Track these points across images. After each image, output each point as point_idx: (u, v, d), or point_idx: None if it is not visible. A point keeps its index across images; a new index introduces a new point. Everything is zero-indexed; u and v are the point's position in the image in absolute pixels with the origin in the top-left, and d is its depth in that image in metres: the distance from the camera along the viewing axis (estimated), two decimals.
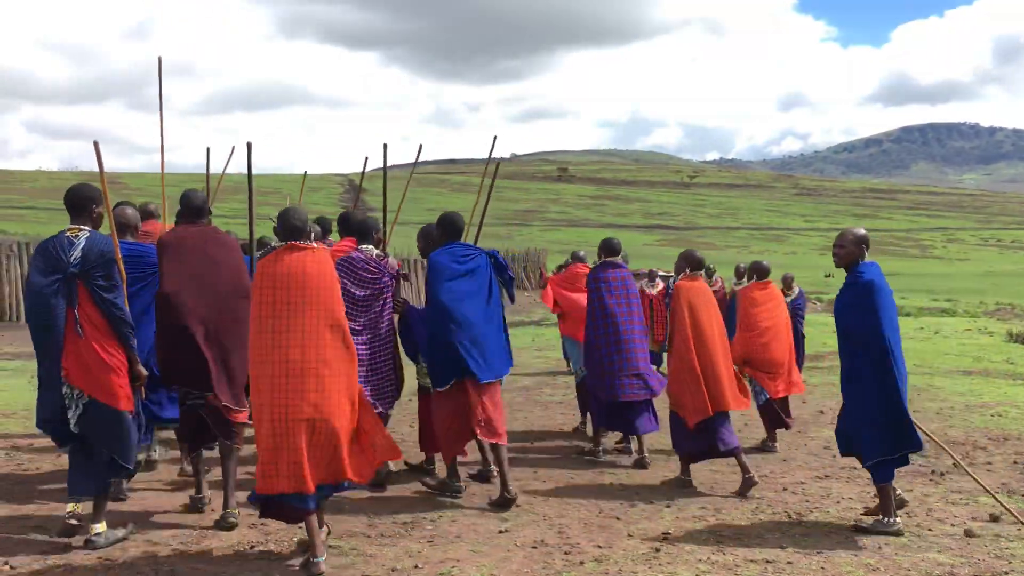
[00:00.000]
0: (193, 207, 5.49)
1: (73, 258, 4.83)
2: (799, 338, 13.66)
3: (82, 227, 4.95)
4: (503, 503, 6.01)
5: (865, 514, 5.98)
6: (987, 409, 10.40)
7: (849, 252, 5.78)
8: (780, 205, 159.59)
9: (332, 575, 4.70)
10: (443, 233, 6.37)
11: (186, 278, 5.30)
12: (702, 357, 6.68)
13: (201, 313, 5.29)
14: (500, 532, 5.50)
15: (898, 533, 5.58)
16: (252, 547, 5.09)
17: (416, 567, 4.84)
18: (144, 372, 5.12)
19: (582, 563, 4.97)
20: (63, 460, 7.12)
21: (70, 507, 5.10)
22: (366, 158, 8.05)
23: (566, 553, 5.13)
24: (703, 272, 6.97)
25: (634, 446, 7.76)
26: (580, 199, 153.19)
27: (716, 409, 6.65)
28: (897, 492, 5.90)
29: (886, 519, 5.66)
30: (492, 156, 7.92)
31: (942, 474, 7.24)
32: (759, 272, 8.90)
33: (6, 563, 4.74)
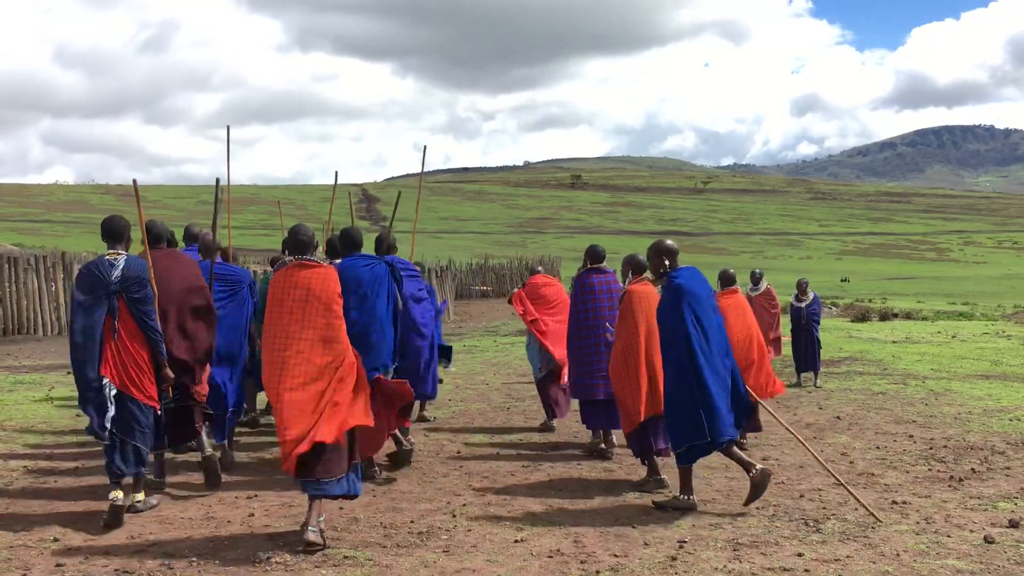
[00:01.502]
0: (152, 235, 6.50)
1: (114, 277, 5.75)
2: (814, 343, 13.63)
3: (120, 251, 5.87)
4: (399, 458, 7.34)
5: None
6: (1006, 413, 10.32)
7: (652, 263, 6.54)
8: (794, 210, 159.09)
9: None
10: (343, 246, 6.96)
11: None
12: (650, 362, 6.91)
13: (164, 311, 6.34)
14: (516, 541, 5.49)
15: (692, 507, 6.23)
16: (268, 557, 5.10)
17: None
18: (171, 374, 6.07)
19: (598, 572, 4.95)
20: (83, 473, 7.17)
21: (112, 494, 5.73)
22: (336, 172, 8.38)
23: (582, 562, 5.12)
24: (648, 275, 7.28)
25: (604, 442, 8.20)
26: (593, 206, 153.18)
27: (655, 412, 6.85)
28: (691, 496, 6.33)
29: (683, 496, 6.29)
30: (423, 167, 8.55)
31: (960, 480, 7.18)
32: (725, 280, 9.23)
33: (25, 575, 4.76)
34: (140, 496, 6.05)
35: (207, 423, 6.96)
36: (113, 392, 5.73)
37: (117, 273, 5.75)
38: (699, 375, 6.19)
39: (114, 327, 5.74)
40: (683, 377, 6.24)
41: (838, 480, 6.47)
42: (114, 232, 5.90)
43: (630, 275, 7.27)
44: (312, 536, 5.24)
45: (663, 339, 6.41)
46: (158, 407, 5.99)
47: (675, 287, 6.32)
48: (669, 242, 6.62)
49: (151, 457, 6.62)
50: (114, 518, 5.67)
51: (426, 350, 7.89)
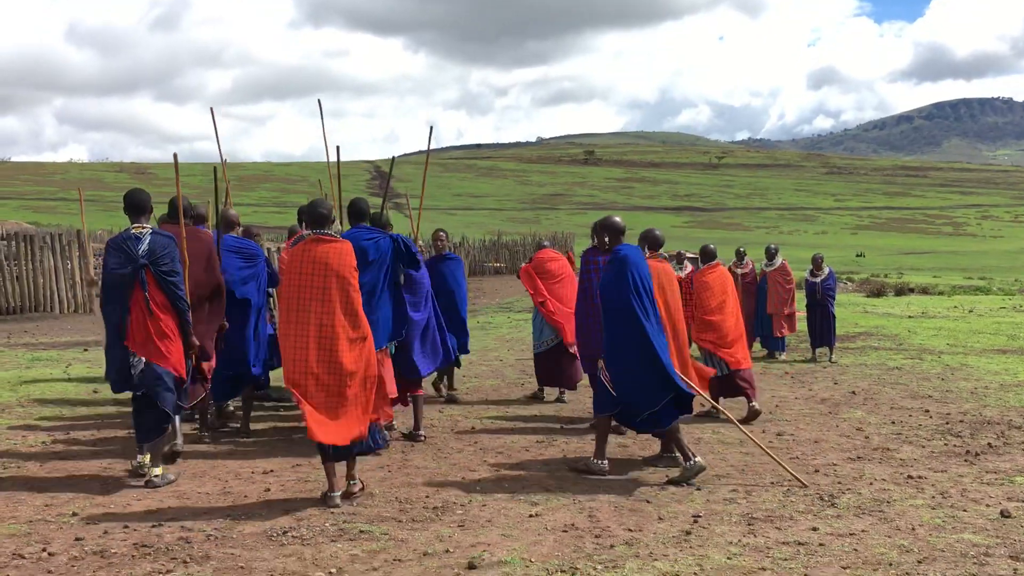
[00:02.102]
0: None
1: (142, 250, 5.98)
2: (829, 318, 13.57)
3: (144, 225, 6.08)
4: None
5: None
6: (1023, 388, 10.26)
7: (599, 239, 6.70)
8: (810, 184, 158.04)
9: (364, 559, 4.73)
10: (350, 216, 7.09)
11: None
12: (676, 337, 6.93)
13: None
14: (530, 516, 5.51)
15: (602, 472, 6.48)
16: (285, 532, 5.14)
17: (447, 551, 4.86)
18: (197, 342, 6.36)
19: (612, 546, 4.97)
20: (100, 449, 7.24)
21: (139, 458, 6.16)
22: (337, 147, 8.27)
23: (597, 537, 5.13)
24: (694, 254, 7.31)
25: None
26: (607, 182, 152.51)
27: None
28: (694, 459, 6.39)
29: (597, 460, 6.53)
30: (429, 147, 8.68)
31: (977, 454, 7.15)
32: (706, 255, 9.54)
33: (44, 549, 4.81)
34: (158, 471, 6.16)
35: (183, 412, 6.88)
36: (141, 364, 5.99)
37: (144, 247, 5.99)
38: (646, 343, 6.26)
39: (144, 298, 5.97)
40: (628, 346, 6.29)
41: (757, 444, 6.57)
42: (138, 206, 6.11)
43: (645, 250, 7.24)
44: (356, 488, 5.80)
45: (606, 311, 6.44)
46: (185, 375, 6.24)
47: (621, 258, 6.40)
48: (617, 219, 6.72)
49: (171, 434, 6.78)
50: (136, 474, 6.21)
51: (419, 326, 7.77)
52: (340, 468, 5.81)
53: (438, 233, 9.69)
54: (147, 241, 6.01)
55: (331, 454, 5.70)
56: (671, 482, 6.32)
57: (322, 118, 8.69)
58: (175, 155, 7.18)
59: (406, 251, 6.97)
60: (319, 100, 8.93)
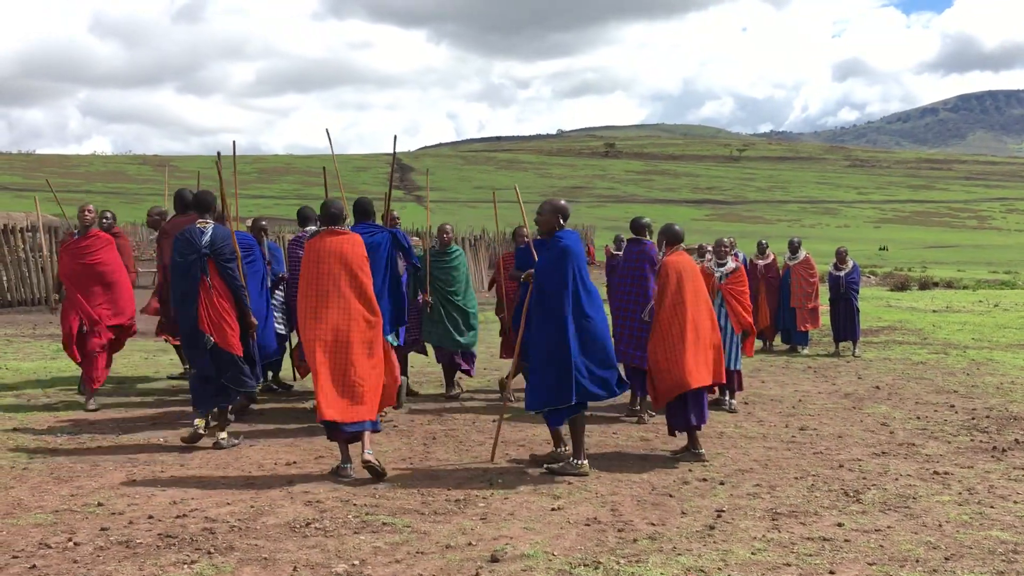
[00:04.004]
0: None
1: (204, 242, 6.82)
2: (853, 312, 13.46)
3: (208, 220, 6.92)
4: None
5: (530, 461, 6.70)
6: None
7: (547, 220, 6.38)
8: (832, 177, 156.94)
9: (387, 551, 4.74)
10: (354, 213, 7.47)
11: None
12: (697, 331, 6.90)
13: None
14: (553, 510, 5.49)
15: (581, 472, 6.28)
16: (308, 523, 5.16)
17: (470, 544, 4.86)
18: (255, 321, 7.12)
19: (636, 540, 4.95)
20: (125, 439, 7.29)
21: (197, 422, 6.88)
22: (395, 136, 8.61)
23: (619, 530, 5.11)
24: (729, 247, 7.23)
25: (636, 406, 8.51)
26: (627, 174, 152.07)
27: (700, 383, 6.83)
28: (566, 448, 6.52)
29: (560, 450, 6.48)
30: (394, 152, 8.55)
31: (1004, 450, 7.08)
32: (670, 237, 9.36)
33: (70, 539, 4.85)
34: (223, 434, 7.01)
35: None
36: (210, 343, 6.78)
37: (206, 239, 6.82)
38: (583, 332, 6.22)
39: (208, 284, 6.79)
40: (561, 335, 6.19)
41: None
42: (204, 204, 7.02)
43: (664, 246, 7.23)
44: (370, 457, 6.07)
45: (541, 298, 6.32)
46: (241, 352, 6.95)
47: (563, 247, 6.30)
48: (565, 202, 6.62)
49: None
50: (193, 439, 6.86)
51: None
52: (354, 447, 6.25)
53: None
54: (209, 234, 6.84)
55: (342, 433, 6.16)
56: (548, 469, 6.35)
57: (331, 144, 9.00)
58: (219, 154, 7.65)
59: (402, 245, 7.47)
60: (327, 130, 9.18)
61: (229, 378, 6.91)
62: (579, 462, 6.33)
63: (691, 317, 6.87)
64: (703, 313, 6.99)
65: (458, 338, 9.36)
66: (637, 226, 8.38)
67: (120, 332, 8.85)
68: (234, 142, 7.93)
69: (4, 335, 13.87)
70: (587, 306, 6.26)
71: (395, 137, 8.70)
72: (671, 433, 7.08)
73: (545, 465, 6.45)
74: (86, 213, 8.80)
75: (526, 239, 7.63)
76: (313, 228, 8.63)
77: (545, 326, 6.28)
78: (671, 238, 7.20)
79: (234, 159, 7.82)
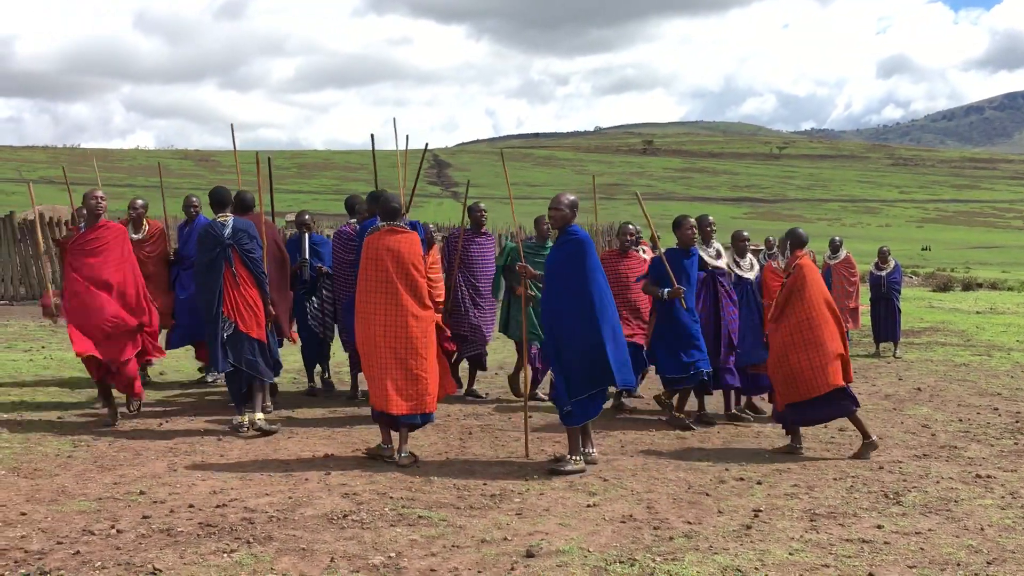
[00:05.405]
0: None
1: (227, 234, 7.14)
2: (895, 312, 13.30)
3: (227, 214, 7.26)
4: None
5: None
6: None
7: (563, 216, 6.36)
8: (874, 176, 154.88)
9: (423, 544, 4.76)
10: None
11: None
12: (832, 332, 6.94)
13: None
14: (588, 506, 5.49)
15: (581, 471, 6.25)
16: (345, 515, 5.20)
17: (505, 539, 4.87)
18: (273, 311, 7.46)
19: (671, 539, 4.93)
20: (167, 428, 7.40)
21: (237, 418, 7.26)
22: (407, 136, 8.23)
23: (655, 528, 5.10)
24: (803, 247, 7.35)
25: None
26: (666, 172, 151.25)
27: (837, 383, 6.85)
28: (592, 452, 6.55)
29: (572, 456, 6.33)
30: (421, 151, 8.61)
31: None
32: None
33: (113, 526, 4.94)
34: (260, 416, 7.28)
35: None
36: (230, 329, 7.07)
37: (228, 230, 7.16)
38: (610, 324, 6.25)
39: (233, 273, 7.12)
40: (590, 327, 6.20)
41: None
42: (221, 199, 7.32)
43: (788, 249, 7.30)
44: (405, 459, 6.34)
45: (564, 292, 6.26)
46: (265, 339, 7.29)
47: (582, 239, 6.30)
48: (574, 197, 6.58)
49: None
50: (236, 431, 7.19)
51: None
52: (397, 435, 6.48)
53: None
54: (230, 225, 7.18)
55: (395, 422, 6.42)
56: (552, 470, 6.30)
57: (374, 158, 8.88)
58: (258, 154, 8.01)
59: (422, 235, 7.48)
60: (393, 119, 8.45)
61: (247, 364, 7.13)
62: (579, 456, 6.37)
63: (832, 318, 6.99)
64: (836, 314, 7.10)
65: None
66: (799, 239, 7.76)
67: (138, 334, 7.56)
68: (232, 126, 8.49)
69: (48, 325, 14.11)
70: (607, 296, 6.35)
71: (426, 145, 8.76)
72: (787, 429, 7.18)
73: (550, 468, 6.37)
74: (91, 200, 7.43)
75: (643, 243, 7.46)
76: (354, 221, 8.63)
77: (576, 322, 6.23)
78: (796, 241, 7.25)
79: (234, 148, 8.10)
